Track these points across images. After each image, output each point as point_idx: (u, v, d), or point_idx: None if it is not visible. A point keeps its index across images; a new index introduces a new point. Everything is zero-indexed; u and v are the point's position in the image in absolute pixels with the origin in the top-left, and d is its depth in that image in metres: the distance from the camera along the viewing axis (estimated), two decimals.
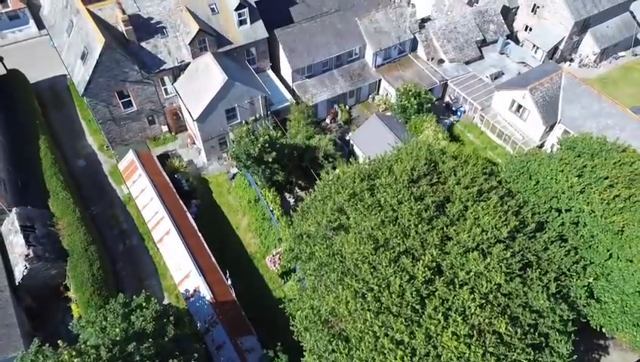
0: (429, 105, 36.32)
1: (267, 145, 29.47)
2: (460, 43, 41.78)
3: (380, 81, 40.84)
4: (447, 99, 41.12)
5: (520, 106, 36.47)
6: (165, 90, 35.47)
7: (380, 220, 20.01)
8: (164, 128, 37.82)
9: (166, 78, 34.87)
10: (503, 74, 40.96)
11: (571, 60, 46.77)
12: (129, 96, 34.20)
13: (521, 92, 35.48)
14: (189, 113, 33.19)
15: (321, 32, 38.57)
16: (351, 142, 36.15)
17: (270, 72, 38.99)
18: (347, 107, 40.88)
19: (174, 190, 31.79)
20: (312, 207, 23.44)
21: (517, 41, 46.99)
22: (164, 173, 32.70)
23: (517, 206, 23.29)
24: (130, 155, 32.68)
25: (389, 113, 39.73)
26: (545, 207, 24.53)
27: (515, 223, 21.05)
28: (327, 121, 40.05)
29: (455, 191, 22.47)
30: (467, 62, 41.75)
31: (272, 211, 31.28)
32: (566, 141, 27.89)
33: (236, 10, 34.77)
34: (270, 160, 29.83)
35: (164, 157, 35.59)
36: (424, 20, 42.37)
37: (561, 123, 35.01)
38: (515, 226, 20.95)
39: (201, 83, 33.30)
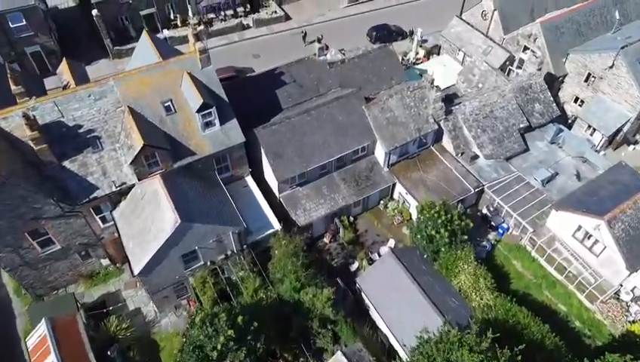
0: (465, 235, 26.42)
1: (232, 342, 19.54)
2: (499, 132, 32.04)
3: (394, 184, 31.11)
4: (484, 210, 31.25)
5: (589, 234, 26.61)
6: (103, 218, 25.77)
7: None
8: (105, 261, 28.08)
9: (102, 204, 25.21)
10: (557, 174, 31.11)
11: (635, 143, 37.02)
12: (47, 234, 24.54)
13: (593, 221, 25.62)
14: (129, 264, 23.45)
15: (316, 128, 28.90)
16: (358, 286, 26.26)
17: (250, 180, 29.25)
18: (351, 218, 31.10)
19: None
20: None
21: (563, 114, 37.26)
22: (91, 356, 22.79)
23: None
24: (42, 329, 22.86)
25: (406, 230, 29.91)
26: None
27: None
28: (326, 240, 30.27)
29: None
30: (508, 158, 31.99)
31: None
32: None
33: (199, 112, 25.14)
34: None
35: (99, 310, 25.74)
36: (449, 99, 32.62)
37: None
38: None
39: (146, 219, 23.62)
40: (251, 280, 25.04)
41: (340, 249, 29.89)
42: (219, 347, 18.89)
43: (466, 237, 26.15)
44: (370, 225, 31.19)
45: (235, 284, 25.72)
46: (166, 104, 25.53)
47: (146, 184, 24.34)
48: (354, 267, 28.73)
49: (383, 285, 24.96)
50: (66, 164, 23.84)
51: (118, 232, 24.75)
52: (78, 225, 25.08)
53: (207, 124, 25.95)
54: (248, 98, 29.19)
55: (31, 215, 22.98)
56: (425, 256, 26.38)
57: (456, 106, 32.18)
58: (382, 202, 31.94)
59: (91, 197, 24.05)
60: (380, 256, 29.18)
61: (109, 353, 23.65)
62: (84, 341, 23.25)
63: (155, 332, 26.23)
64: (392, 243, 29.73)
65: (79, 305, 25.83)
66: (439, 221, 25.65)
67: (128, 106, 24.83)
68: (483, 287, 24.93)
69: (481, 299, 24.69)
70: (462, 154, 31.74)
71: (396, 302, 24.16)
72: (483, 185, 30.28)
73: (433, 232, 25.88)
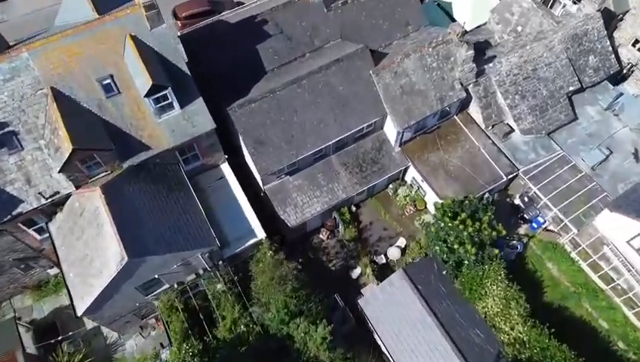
0: (496, 249, 21.09)
1: None
2: (542, 99, 25.29)
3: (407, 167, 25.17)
4: (516, 199, 25.59)
5: None
6: (38, 229, 20.30)
7: None
8: (53, 271, 23.20)
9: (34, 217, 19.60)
10: (611, 153, 24.96)
11: None
12: None
13: None
14: (70, 300, 18.45)
15: (309, 103, 22.27)
16: (359, 307, 21.51)
17: (226, 168, 23.22)
18: (353, 208, 25.65)
19: None
20: None
21: (618, 60, 29.92)
22: None
23: None
24: None
25: (420, 224, 24.46)
26: None
27: None
28: (322, 236, 25.08)
29: None
30: (551, 132, 25.62)
31: None
32: None
33: (148, 96, 18.49)
34: None
35: (48, 341, 21.31)
36: (480, 50, 25.33)
37: None
38: None
39: (87, 243, 18.19)
40: (229, 306, 20.28)
41: (340, 247, 24.83)
42: None
43: (496, 251, 20.87)
44: (376, 216, 25.80)
45: (210, 308, 21.05)
46: (105, 82, 18.83)
47: (84, 197, 18.52)
48: (356, 273, 23.88)
49: (391, 313, 20.25)
50: None
51: (55, 252, 19.44)
52: (5, 243, 19.73)
53: (163, 108, 19.43)
54: (219, 57, 22.39)
55: None
56: (444, 272, 21.31)
57: (490, 64, 25.06)
58: (391, 186, 26.22)
59: (14, 213, 18.34)
60: (386, 258, 24.24)
61: None
62: None
63: (118, 358, 22.12)
64: (402, 242, 24.60)
65: (24, 328, 21.53)
66: (465, 233, 20.18)
67: (52, 88, 18.21)
68: (515, 314, 20.21)
69: (512, 330, 20.11)
70: (493, 126, 25.34)
71: (407, 336, 19.66)
72: (517, 171, 24.34)
73: (456, 246, 20.54)
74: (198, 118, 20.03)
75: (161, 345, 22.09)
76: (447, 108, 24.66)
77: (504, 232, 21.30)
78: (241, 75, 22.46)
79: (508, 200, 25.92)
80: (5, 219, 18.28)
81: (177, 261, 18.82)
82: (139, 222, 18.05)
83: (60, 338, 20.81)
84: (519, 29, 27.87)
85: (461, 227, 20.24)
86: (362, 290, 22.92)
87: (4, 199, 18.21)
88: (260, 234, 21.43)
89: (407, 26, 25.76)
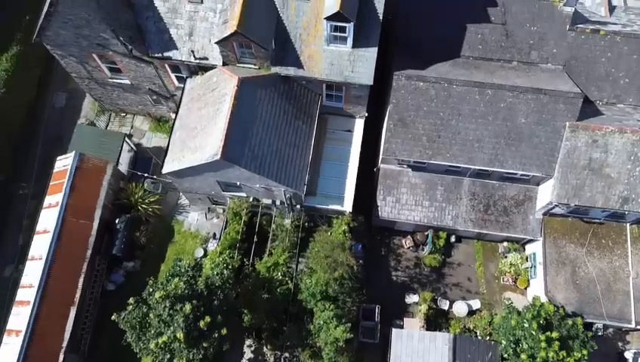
0: None
1: (178, 344, 15.17)
2: None
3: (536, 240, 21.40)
4: (629, 352, 20.75)
5: None
6: (179, 77, 21.13)
7: None
8: (174, 115, 24.51)
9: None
10: None
11: None
12: (117, 64, 20.90)
13: None
14: (164, 156, 19.28)
15: (478, 115, 19.21)
16: (390, 334, 19.74)
17: (358, 125, 21.61)
18: (452, 238, 22.91)
19: (89, 256, 20.25)
20: None
21: None
22: (98, 216, 20.80)
23: None
24: (68, 161, 20.81)
25: (507, 301, 21.18)
26: None
27: None
28: (404, 243, 23.02)
29: None
30: None
31: None
32: None
33: (328, 20, 17.07)
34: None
35: (143, 164, 23.28)
36: None
37: None
38: None
39: (201, 118, 18.52)
40: (279, 249, 19.95)
41: (413, 265, 22.73)
42: (159, 341, 14.97)
43: None
44: (470, 261, 22.89)
45: (267, 236, 20.95)
46: None
47: (223, 77, 18.47)
48: (410, 299, 21.85)
49: (418, 354, 18.37)
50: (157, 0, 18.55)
51: (178, 105, 20.23)
52: (149, 73, 20.93)
53: (335, 39, 18.00)
54: (423, 14, 20.03)
55: (97, 41, 19.02)
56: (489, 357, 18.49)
57: None
58: (505, 244, 22.74)
59: (164, 55, 19.10)
60: (451, 307, 21.74)
61: (117, 222, 21.61)
62: (100, 196, 21.18)
63: (179, 220, 23.49)
64: (476, 304, 21.74)
65: (129, 147, 23.62)
66: (542, 353, 16.91)
67: None
68: None
69: None
70: None
71: None
72: None
73: (524, 356, 17.43)
74: (361, 66, 18.34)
75: (214, 235, 22.91)
76: (625, 212, 19.86)
77: None
78: (432, 43, 20.09)
79: (620, 344, 21.24)
80: (156, 55, 19.12)
81: (261, 183, 18.48)
82: (251, 130, 17.69)
83: (146, 175, 22.38)
84: None
85: (543, 344, 16.94)
86: (405, 320, 21.08)
87: (162, 38, 18.90)
88: (348, 207, 20.16)
89: None
